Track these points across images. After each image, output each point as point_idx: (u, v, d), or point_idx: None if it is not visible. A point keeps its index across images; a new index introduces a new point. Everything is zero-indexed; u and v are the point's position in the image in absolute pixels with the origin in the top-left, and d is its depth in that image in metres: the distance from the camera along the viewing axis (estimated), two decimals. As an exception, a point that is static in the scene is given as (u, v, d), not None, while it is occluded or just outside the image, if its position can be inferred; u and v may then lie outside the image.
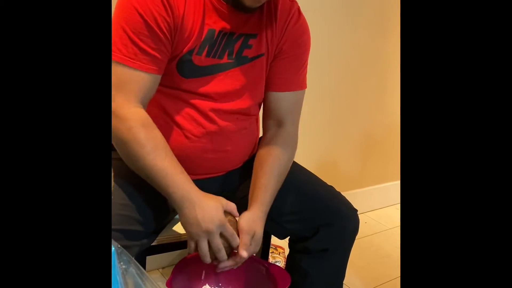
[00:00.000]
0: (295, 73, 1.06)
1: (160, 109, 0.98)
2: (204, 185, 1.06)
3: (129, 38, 0.87)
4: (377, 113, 2.12)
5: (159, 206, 0.97)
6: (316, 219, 1.02)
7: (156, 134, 0.89)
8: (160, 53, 0.90)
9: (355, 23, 1.85)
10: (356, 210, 1.05)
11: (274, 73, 1.05)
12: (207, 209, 0.88)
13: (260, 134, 1.15)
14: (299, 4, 1.05)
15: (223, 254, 0.89)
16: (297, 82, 1.07)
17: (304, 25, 1.05)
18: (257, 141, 1.15)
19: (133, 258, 0.58)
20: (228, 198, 1.04)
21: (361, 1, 1.84)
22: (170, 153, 0.90)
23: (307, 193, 0.99)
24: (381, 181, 2.29)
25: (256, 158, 1.06)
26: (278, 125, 1.08)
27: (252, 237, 0.93)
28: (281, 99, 1.06)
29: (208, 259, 0.89)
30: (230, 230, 0.89)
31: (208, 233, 0.87)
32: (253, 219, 0.95)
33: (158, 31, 0.88)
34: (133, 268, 0.59)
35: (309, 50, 1.08)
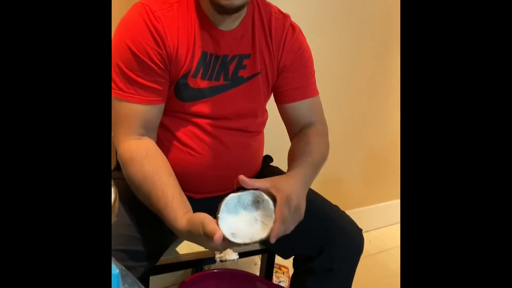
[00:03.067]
0: (307, 80, 1.07)
1: (163, 129, 0.99)
2: (210, 203, 1.06)
3: (126, 75, 0.90)
4: (381, 130, 2.11)
5: (162, 226, 0.96)
6: (321, 238, 1.00)
7: (141, 168, 0.87)
8: (159, 84, 0.93)
9: (358, 40, 1.86)
10: (361, 230, 1.04)
11: (285, 86, 1.06)
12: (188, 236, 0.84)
13: (267, 152, 1.15)
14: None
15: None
16: (311, 89, 1.08)
17: (300, 36, 1.07)
18: (262, 159, 1.15)
19: (137, 280, 0.58)
20: None
21: (364, 18, 1.85)
22: (157, 183, 0.86)
23: (312, 213, 0.98)
24: (385, 199, 2.27)
25: (288, 155, 1.04)
26: (306, 127, 1.07)
27: (289, 199, 0.83)
28: (301, 107, 1.07)
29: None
30: (206, 230, 0.77)
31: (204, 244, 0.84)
32: (291, 183, 0.86)
33: (152, 64, 0.90)
34: (137, 289, 0.59)
35: (312, 57, 1.09)
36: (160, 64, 0.92)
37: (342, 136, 1.99)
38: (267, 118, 1.13)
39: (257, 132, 1.09)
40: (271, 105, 1.12)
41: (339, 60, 1.83)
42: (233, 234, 0.79)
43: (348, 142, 2.01)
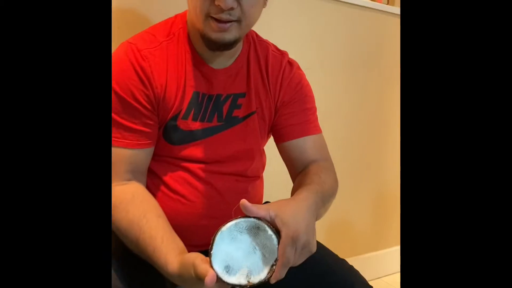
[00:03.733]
0: (307, 116, 0.99)
1: (151, 174, 0.91)
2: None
3: (112, 118, 0.84)
4: (391, 172, 2.02)
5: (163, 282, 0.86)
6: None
7: (126, 215, 0.80)
8: (146, 126, 0.87)
9: (364, 78, 1.81)
10: (371, 287, 0.93)
11: (285, 122, 0.98)
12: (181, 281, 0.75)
13: (267, 199, 1.05)
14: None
15: None
16: (312, 126, 0.99)
17: (298, 72, 1.00)
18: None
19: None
20: None
21: (368, 59, 1.80)
22: (144, 227, 0.78)
23: (318, 268, 0.88)
24: (397, 243, 2.14)
25: (294, 188, 0.92)
26: (310, 164, 0.95)
27: (296, 239, 0.69)
28: (303, 144, 0.97)
29: None
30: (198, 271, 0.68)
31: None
32: (283, 202, 0.75)
33: (138, 105, 0.85)
34: None
35: (311, 93, 1.01)
36: (147, 105, 0.85)
37: (351, 177, 1.90)
38: (265, 162, 1.04)
39: (255, 177, 1.00)
40: (271, 148, 1.03)
41: (347, 100, 1.78)
42: (227, 266, 0.68)
43: (357, 183, 1.92)
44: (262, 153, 1.02)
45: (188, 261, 0.70)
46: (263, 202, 1.08)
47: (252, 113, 0.95)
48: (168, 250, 0.76)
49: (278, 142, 1.00)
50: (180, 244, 0.79)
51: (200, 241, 0.95)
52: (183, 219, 0.91)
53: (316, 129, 1.00)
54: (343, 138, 1.81)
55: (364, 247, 2.00)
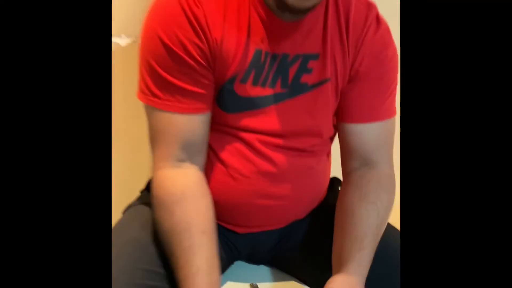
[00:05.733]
0: (380, 98, 0.80)
1: None
2: (257, 240, 0.85)
3: (160, 76, 0.72)
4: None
5: None
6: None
7: (171, 217, 0.72)
8: (202, 87, 0.73)
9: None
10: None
11: (351, 101, 0.80)
12: None
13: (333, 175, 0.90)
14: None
15: None
16: (384, 109, 0.81)
17: (386, 36, 0.79)
18: (327, 185, 0.90)
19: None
20: (289, 260, 0.88)
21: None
22: (183, 244, 0.70)
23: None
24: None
25: (338, 209, 0.81)
26: (367, 166, 0.81)
27: None
28: (365, 132, 0.80)
29: None
30: None
31: None
32: (349, 285, 0.71)
33: (191, 61, 0.71)
34: None
35: (397, 68, 0.81)
36: (201, 61, 0.72)
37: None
38: (335, 134, 0.86)
39: (322, 151, 0.84)
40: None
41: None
42: None
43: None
44: (331, 127, 0.84)
45: None
46: (331, 177, 0.92)
47: (325, 81, 0.77)
48: (199, 284, 0.68)
49: (337, 119, 0.84)
50: (215, 277, 0.70)
51: (254, 222, 0.84)
52: (236, 197, 0.79)
53: (388, 113, 0.82)
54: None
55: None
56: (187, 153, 0.74)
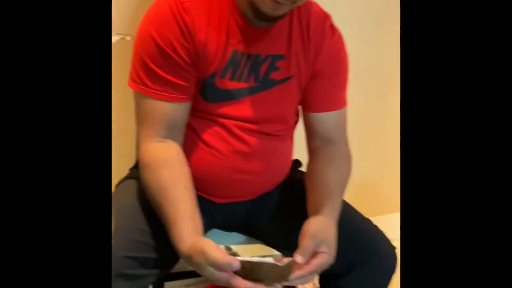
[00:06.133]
0: (337, 91, 0.99)
1: (187, 127, 0.92)
2: (232, 209, 1.01)
3: (151, 70, 0.85)
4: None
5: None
6: (350, 254, 0.92)
7: (157, 177, 0.84)
8: (185, 80, 0.87)
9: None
10: (394, 248, 0.95)
11: (314, 94, 0.98)
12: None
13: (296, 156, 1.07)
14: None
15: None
16: (339, 100, 1.00)
17: (340, 40, 0.98)
18: (291, 163, 1.07)
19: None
20: (258, 226, 1.03)
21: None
22: (170, 196, 0.82)
23: (342, 225, 0.90)
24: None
25: (309, 174, 0.98)
26: (330, 143, 1.00)
27: (319, 243, 0.77)
28: (327, 119, 0.99)
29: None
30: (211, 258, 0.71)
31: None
32: (322, 223, 0.82)
33: (178, 59, 0.85)
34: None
35: (348, 68, 1.00)
36: (187, 59, 0.86)
37: (377, 136, 1.88)
38: (297, 121, 1.04)
39: (286, 135, 1.01)
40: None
41: (380, 64, 1.73)
42: None
43: (380, 140, 1.90)
44: (294, 115, 1.02)
45: (199, 245, 0.73)
46: (293, 158, 1.10)
47: (289, 78, 0.94)
48: (186, 227, 0.78)
49: (303, 110, 1.01)
50: (199, 223, 0.81)
51: (230, 193, 0.98)
52: (215, 172, 0.94)
53: (342, 103, 1.01)
54: (381, 102, 1.79)
55: (387, 206, 2.01)
56: (169, 132, 0.88)
